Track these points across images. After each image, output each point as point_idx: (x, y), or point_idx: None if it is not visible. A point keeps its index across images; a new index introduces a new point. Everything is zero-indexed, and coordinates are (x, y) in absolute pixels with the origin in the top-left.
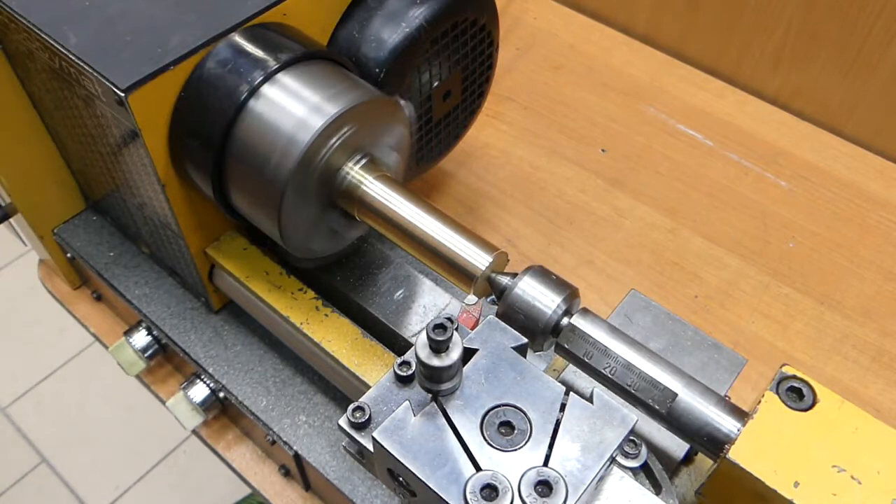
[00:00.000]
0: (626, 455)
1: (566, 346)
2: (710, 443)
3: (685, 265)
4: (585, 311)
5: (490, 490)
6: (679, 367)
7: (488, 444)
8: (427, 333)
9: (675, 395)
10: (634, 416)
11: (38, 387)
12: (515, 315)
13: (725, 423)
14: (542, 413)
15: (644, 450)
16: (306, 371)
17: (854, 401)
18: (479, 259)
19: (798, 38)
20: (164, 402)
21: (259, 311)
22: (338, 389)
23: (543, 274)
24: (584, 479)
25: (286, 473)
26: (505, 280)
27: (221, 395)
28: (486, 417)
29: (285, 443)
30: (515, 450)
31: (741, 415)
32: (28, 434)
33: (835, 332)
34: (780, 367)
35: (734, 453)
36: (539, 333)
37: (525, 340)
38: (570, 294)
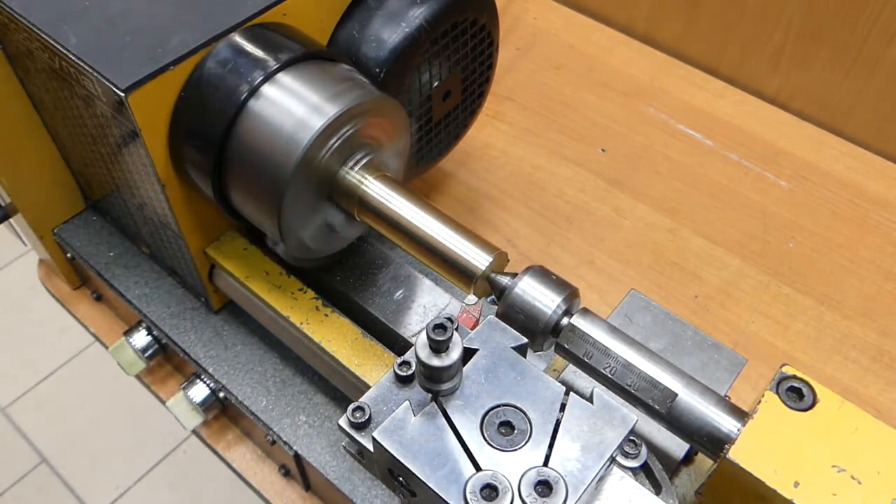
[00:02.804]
0: (626, 455)
1: (566, 346)
2: (710, 443)
3: (685, 265)
4: (585, 311)
5: (490, 490)
6: (679, 367)
7: (488, 444)
8: (427, 333)
9: (675, 395)
10: (634, 416)
11: (38, 387)
12: (515, 315)
13: (725, 423)
14: (542, 413)
15: (644, 450)
16: (306, 371)
17: (854, 401)
18: (479, 259)
19: (798, 38)
20: (164, 402)
21: (259, 311)
22: (338, 389)
23: (543, 274)
24: (584, 479)
25: (286, 473)
26: (505, 280)
27: (221, 395)
28: (486, 417)
29: (285, 443)
30: (515, 450)
31: (741, 415)
32: (28, 434)
33: (835, 332)
34: (780, 367)
35: (734, 453)
36: (539, 333)
37: (525, 340)
38: (570, 294)
